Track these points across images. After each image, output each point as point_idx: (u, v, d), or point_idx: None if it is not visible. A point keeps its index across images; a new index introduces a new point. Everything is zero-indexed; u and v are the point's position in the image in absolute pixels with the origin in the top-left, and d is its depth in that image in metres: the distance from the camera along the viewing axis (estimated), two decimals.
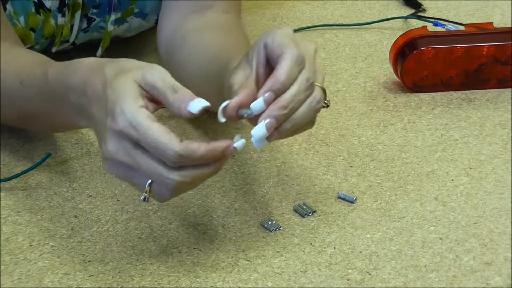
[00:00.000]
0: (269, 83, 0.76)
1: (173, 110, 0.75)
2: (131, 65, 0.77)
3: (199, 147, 0.73)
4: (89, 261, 0.81)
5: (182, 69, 0.97)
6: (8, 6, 1.02)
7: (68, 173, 0.94)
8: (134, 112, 0.73)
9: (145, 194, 0.75)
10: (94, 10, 1.08)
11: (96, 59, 0.82)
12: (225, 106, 0.76)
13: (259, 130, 0.76)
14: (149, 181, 0.75)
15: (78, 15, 1.07)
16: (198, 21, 1.00)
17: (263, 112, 0.76)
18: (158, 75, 0.76)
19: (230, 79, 0.79)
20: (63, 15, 1.05)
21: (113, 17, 1.09)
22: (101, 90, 0.76)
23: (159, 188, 0.75)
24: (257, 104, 0.76)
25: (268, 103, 0.76)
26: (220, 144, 0.74)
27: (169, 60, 1.02)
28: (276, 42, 0.77)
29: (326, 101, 0.80)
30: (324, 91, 0.79)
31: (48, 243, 0.83)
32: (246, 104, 0.76)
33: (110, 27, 1.10)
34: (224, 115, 0.77)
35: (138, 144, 0.74)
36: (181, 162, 0.73)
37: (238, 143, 0.75)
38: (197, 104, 0.74)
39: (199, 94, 0.94)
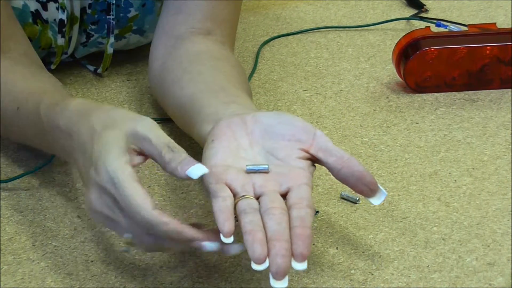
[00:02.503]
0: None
1: (168, 168, 0.73)
2: (120, 117, 0.76)
3: (169, 223, 0.71)
4: (91, 261, 0.81)
5: (179, 89, 0.94)
6: None
7: (71, 173, 0.94)
8: (116, 170, 0.72)
9: (125, 247, 0.77)
10: (93, 27, 1.08)
11: (83, 102, 0.81)
12: None
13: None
14: (128, 235, 0.74)
15: (76, 28, 1.07)
16: (197, 46, 0.98)
17: None
18: (150, 129, 0.74)
19: None
20: (63, 36, 1.06)
21: (112, 39, 1.09)
22: (88, 142, 0.76)
23: (138, 243, 0.74)
24: None
25: None
26: (190, 233, 0.72)
27: (162, 79, 0.98)
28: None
29: None
30: None
31: (51, 243, 0.83)
32: None
33: (110, 50, 1.09)
34: None
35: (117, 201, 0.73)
36: (151, 229, 0.71)
37: (210, 245, 0.72)
38: (198, 170, 0.72)
39: (184, 118, 0.89)
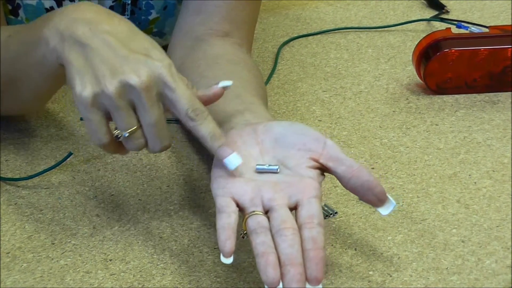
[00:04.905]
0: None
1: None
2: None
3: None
4: (110, 260, 0.81)
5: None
6: (21, 12, 1.03)
7: (90, 172, 0.94)
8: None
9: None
10: None
11: None
12: None
13: None
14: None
15: None
16: (215, 48, 0.98)
17: None
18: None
19: None
20: None
21: None
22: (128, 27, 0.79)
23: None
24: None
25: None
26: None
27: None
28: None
29: None
30: None
31: (70, 242, 0.84)
32: None
33: None
34: None
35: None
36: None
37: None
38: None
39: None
